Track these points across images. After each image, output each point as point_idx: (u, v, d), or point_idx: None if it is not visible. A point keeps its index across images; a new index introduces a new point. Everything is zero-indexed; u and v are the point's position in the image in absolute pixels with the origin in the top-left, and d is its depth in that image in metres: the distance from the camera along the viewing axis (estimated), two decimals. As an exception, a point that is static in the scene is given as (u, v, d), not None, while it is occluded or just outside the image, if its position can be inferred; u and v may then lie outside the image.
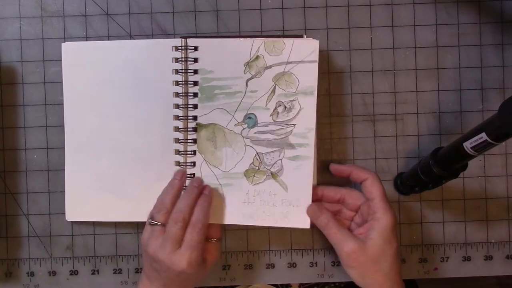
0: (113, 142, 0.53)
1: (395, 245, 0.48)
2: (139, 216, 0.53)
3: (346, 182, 0.54)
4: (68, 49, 0.54)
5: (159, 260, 0.47)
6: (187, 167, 0.53)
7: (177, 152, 0.53)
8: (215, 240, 0.51)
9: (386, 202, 0.49)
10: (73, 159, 0.54)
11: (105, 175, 0.54)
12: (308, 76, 0.52)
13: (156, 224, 0.48)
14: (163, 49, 0.53)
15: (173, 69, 0.53)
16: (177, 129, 0.53)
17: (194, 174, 0.53)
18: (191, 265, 0.47)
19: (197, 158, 0.53)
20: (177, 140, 0.53)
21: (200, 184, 0.51)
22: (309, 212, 0.51)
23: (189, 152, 0.53)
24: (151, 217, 0.49)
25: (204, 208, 0.49)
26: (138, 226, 0.56)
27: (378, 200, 0.48)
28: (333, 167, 0.53)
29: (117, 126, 0.53)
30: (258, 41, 0.52)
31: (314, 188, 0.52)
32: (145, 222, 0.52)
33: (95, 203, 0.54)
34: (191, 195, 0.49)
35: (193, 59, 0.53)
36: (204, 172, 0.53)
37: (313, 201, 0.52)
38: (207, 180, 0.53)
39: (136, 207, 0.53)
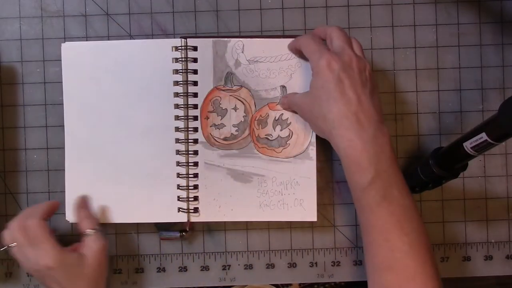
0: (113, 142, 0.53)
1: (331, 83, 0.45)
2: (140, 217, 0.53)
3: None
4: (68, 49, 0.53)
5: (40, 267, 0.47)
6: (189, 167, 0.53)
7: (178, 152, 0.53)
8: (91, 231, 0.50)
9: (313, 53, 0.47)
10: (73, 159, 0.54)
11: (105, 176, 0.54)
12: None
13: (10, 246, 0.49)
14: (163, 49, 0.53)
15: (173, 69, 0.53)
16: (177, 129, 0.53)
17: (197, 174, 0.53)
18: (52, 257, 0.47)
19: (199, 158, 0.53)
20: (177, 141, 0.53)
21: None
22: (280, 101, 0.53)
23: (191, 152, 0.53)
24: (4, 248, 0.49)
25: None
26: (138, 226, 0.56)
27: (306, 54, 0.48)
28: (289, 45, 0.52)
29: (117, 126, 0.53)
30: (257, 41, 0.52)
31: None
32: (146, 223, 0.52)
33: (95, 204, 0.54)
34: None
35: (192, 59, 0.53)
36: (206, 172, 0.53)
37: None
38: (213, 176, 0.53)
39: (136, 207, 0.53)
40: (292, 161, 0.53)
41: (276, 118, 0.53)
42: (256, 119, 0.53)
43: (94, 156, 0.54)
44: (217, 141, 0.53)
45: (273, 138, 0.53)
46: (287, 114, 0.53)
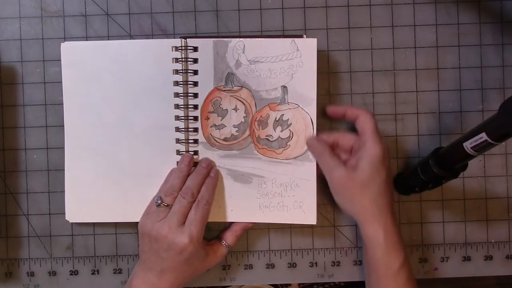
0: (113, 142, 0.53)
1: (384, 174, 0.49)
2: (140, 216, 0.53)
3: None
4: (68, 49, 0.53)
5: (160, 236, 0.48)
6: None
7: (178, 152, 0.53)
8: (225, 244, 0.54)
9: (376, 134, 0.49)
10: (73, 159, 0.54)
11: (105, 176, 0.54)
12: (308, 76, 0.52)
13: (165, 205, 0.50)
14: (163, 49, 0.53)
15: (173, 70, 0.53)
16: (178, 129, 0.53)
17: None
18: (193, 241, 0.48)
19: (199, 159, 0.53)
20: (178, 141, 0.53)
21: (208, 165, 0.53)
22: (309, 143, 0.53)
23: (191, 153, 0.53)
24: (160, 198, 0.50)
25: (210, 187, 0.51)
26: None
27: (369, 132, 0.49)
28: (330, 109, 0.54)
29: (117, 126, 0.53)
30: (258, 41, 0.52)
31: (338, 106, 0.54)
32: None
33: (95, 204, 0.54)
34: (200, 175, 0.52)
35: (193, 60, 0.53)
36: None
37: (335, 117, 0.55)
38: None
39: (136, 207, 0.53)
40: (292, 162, 0.53)
41: (277, 119, 0.53)
42: (257, 119, 0.53)
43: (94, 156, 0.54)
44: (217, 142, 0.53)
45: (274, 139, 0.53)
46: (287, 115, 0.53)
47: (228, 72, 0.53)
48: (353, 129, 0.52)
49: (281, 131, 0.53)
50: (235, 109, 0.53)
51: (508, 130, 0.38)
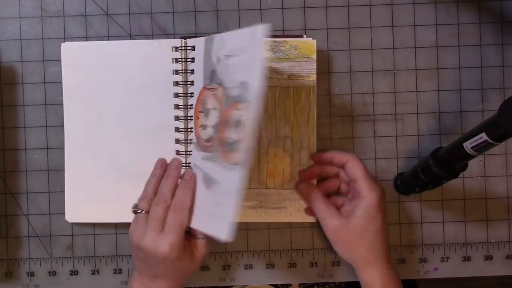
0: (113, 142, 0.53)
1: (380, 220, 0.49)
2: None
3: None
4: (68, 49, 0.53)
5: (142, 246, 0.47)
6: (189, 167, 0.53)
7: (178, 153, 0.53)
8: (202, 237, 0.50)
9: (369, 181, 0.49)
10: (72, 159, 0.54)
11: (105, 176, 0.53)
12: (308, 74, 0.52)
13: (140, 211, 0.49)
14: (163, 50, 0.53)
15: (173, 70, 0.53)
16: (177, 129, 0.53)
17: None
18: (173, 248, 0.46)
19: (190, 160, 0.53)
20: (177, 141, 0.53)
21: (178, 166, 0.52)
22: (299, 187, 0.52)
23: (190, 153, 0.53)
24: (135, 205, 0.50)
25: (183, 190, 0.49)
26: (138, 226, 0.56)
27: (361, 180, 0.49)
28: (316, 156, 0.53)
29: (117, 126, 0.53)
30: (232, 33, 0.51)
31: (324, 153, 0.53)
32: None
33: (95, 204, 0.54)
34: (171, 178, 0.50)
35: (191, 59, 0.53)
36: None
37: (322, 163, 0.53)
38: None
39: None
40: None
41: (234, 120, 0.44)
42: (223, 120, 0.46)
43: (94, 156, 0.54)
44: (202, 143, 0.50)
45: (231, 142, 0.44)
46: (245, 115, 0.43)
47: (211, 70, 0.49)
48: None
49: (236, 133, 0.44)
50: (214, 108, 0.48)
51: (508, 130, 0.38)
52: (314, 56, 0.52)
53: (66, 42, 0.54)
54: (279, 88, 0.53)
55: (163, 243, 0.46)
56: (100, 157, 0.53)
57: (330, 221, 0.50)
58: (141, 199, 0.50)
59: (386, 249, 0.51)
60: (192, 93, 0.53)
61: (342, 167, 0.52)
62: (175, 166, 0.52)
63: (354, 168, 0.50)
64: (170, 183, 0.50)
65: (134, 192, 0.53)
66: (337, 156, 0.52)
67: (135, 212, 0.49)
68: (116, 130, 0.53)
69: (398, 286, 0.50)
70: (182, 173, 0.52)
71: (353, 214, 0.49)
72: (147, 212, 0.49)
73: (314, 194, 0.51)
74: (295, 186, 0.53)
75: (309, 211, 0.53)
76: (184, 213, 0.48)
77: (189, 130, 0.53)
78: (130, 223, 0.55)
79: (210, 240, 0.50)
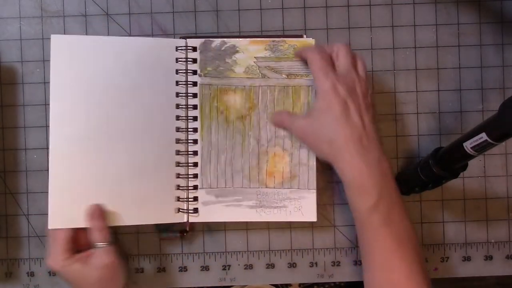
0: (112, 142, 0.53)
1: (337, 108, 0.45)
2: (138, 218, 0.52)
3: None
4: (58, 42, 0.50)
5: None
6: (189, 167, 0.53)
7: (178, 152, 0.53)
8: (102, 245, 0.49)
9: (320, 72, 0.47)
10: (60, 162, 0.51)
11: (105, 176, 0.53)
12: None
13: None
14: (167, 49, 0.52)
15: (175, 69, 0.53)
16: (178, 129, 0.53)
17: (197, 174, 0.53)
18: (55, 269, 0.48)
19: (198, 159, 0.53)
20: (178, 141, 0.53)
21: None
22: (273, 118, 0.52)
23: (190, 153, 0.53)
24: None
25: None
26: (138, 227, 0.56)
27: (314, 73, 0.47)
28: (296, 52, 0.52)
29: (115, 126, 0.53)
30: (256, 41, 0.52)
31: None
32: (142, 225, 0.52)
33: (81, 208, 0.51)
34: None
35: (191, 60, 0.53)
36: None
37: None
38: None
39: (135, 209, 0.53)
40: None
41: None
42: None
43: (92, 157, 0.52)
44: None
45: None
46: None
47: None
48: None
49: None
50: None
51: (508, 130, 0.38)
52: None
53: (57, 35, 0.51)
54: (278, 87, 0.53)
55: (51, 255, 0.49)
56: (99, 157, 0.52)
57: (295, 124, 0.49)
58: None
59: (353, 140, 0.45)
60: (196, 94, 0.53)
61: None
62: None
63: (310, 62, 0.48)
64: None
65: (133, 193, 0.53)
66: (298, 52, 0.51)
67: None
68: (115, 129, 0.53)
69: (375, 185, 0.45)
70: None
71: (311, 110, 0.48)
72: None
73: (279, 113, 0.52)
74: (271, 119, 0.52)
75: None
76: (55, 232, 0.49)
77: (189, 130, 0.53)
78: (125, 225, 0.55)
79: (110, 247, 0.49)
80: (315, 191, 0.53)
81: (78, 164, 0.51)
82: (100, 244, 0.49)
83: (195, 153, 0.53)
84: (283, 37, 0.53)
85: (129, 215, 0.52)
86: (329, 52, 0.49)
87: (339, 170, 0.47)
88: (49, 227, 0.49)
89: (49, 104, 0.55)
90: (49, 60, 0.55)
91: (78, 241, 0.50)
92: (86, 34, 0.56)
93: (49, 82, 0.55)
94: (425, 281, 0.45)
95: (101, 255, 0.48)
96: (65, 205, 0.50)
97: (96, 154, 0.52)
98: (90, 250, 0.49)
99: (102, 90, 0.52)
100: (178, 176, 0.53)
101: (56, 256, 0.48)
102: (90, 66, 0.51)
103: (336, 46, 0.48)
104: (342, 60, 0.48)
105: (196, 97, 0.53)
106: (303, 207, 0.53)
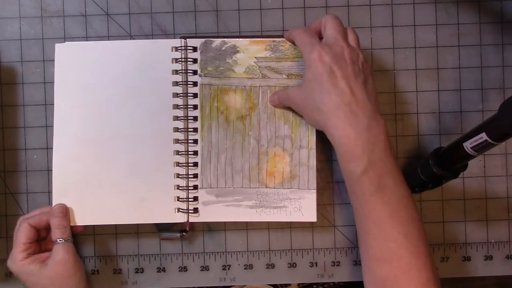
0: (111, 143, 0.53)
1: (324, 76, 0.45)
2: (138, 218, 0.53)
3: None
4: (62, 50, 0.53)
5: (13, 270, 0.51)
6: (189, 167, 0.53)
7: (177, 153, 0.53)
8: (61, 241, 0.50)
9: (304, 44, 0.48)
10: (67, 160, 0.53)
11: (104, 176, 0.53)
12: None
13: None
14: (162, 50, 0.53)
15: (172, 70, 0.53)
16: (177, 130, 0.53)
17: (197, 174, 0.53)
18: (12, 269, 0.50)
19: (198, 159, 0.53)
20: (177, 141, 0.53)
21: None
22: (269, 98, 0.53)
23: (190, 153, 0.53)
24: None
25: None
26: (138, 227, 0.56)
27: (299, 46, 0.49)
28: (285, 36, 0.53)
29: (115, 127, 0.53)
30: (255, 41, 0.52)
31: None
32: (142, 225, 0.52)
33: (93, 206, 0.53)
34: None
35: (192, 60, 0.53)
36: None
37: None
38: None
39: (135, 208, 0.53)
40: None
41: None
42: None
43: (92, 157, 0.53)
44: None
45: None
46: None
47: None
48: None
49: None
50: None
51: (508, 130, 0.38)
52: None
53: (60, 44, 0.53)
54: (279, 87, 0.53)
55: (11, 256, 0.51)
56: (99, 157, 0.53)
57: (290, 94, 0.50)
58: None
59: (339, 104, 0.45)
60: (196, 93, 0.53)
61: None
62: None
63: (326, 23, 0.48)
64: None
65: (133, 193, 0.53)
66: (317, 20, 0.50)
67: None
68: (115, 130, 0.53)
69: (365, 150, 0.44)
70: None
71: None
72: None
73: (276, 93, 0.52)
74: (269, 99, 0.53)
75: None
76: (17, 232, 0.51)
77: (189, 130, 0.53)
78: (129, 224, 0.55)
79: (69, 245, 0.51)
80: (315, 191, 0.53)
81: (79, 164, 0.53)
82: (59, 240, 0.50)
83: (195, 153, 0.53)
84: (283, 37, 0.53)
85: (129, 215, 0.53)
86: (317, 25, 0.50)
87: (329, 137, 0.46)
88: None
89: (49, 104, 0.56)
90: (49, 60, 0.56)
91: (43, 245, 0.53)
92: (86, 34, 0.56)
93: (49, 82, 0.56)
94: (420, 249, 0.44)
95: (59, 250, 0.50)
96: (67, 204, 0.53)
97: (97, 154, 0.53)
98: (50, 252, 0.51)
99: (102, 92, 0.53)
100: (177, 176, 0.53)
101: (14, 258, 0.50)
102: (90, 70, 0.53)
103: (324, 18, 0.49)
104: (328, 31, 0.48)
105: (197, 97, 0.53)
106: (303, 207, 0.53)
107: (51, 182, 0.56)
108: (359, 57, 0.47)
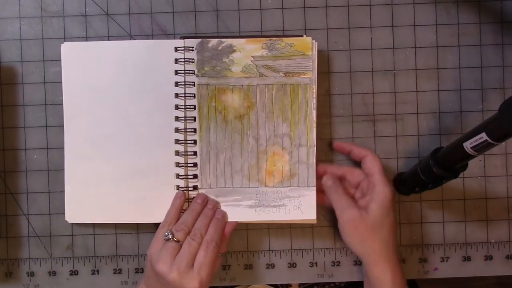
0: (113, 142, 0.53)
1: (392, 216, 0.51)
2: (139, 217, 0.53)
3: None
4: (68, 49, 0.53)
5: (170, 279, 0.47)
6: (188, 168, 0.53)
7: (178, 153, 0.53)
8: (220, 255, 0.51)
9: (384, 177, 0.51)
10: (72, 159, 0.54)
11: (105, 176, 0.53)
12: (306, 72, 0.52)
13: (175, 241, 0.49)
14: (165, 50, 0.53)
15: (174, 70, 0.53)
16: (177, 130, 0.53)
17: (197, 175, 0.53)
18: (202, 286, 0.48)
19: (198, 159, 0.53)
20: (177, 142, 0.53)
21: (214, 205, 0.53)
22: (323, 179, 0.53)
23: (190, 153, 0.53)
24: (170, 233, 0.49)
25: (218, 228, 0.51)
26: (138, 227, 0.56)
27: (378, 175, 0.51)
28: (336, 144, 0.56)
29: (116, 126, 0.53)
30: (255, 41, 0.52)
31: (318, 165, 0.54)
32: (145, 223, 0.52)
33: (95, 204, 0.54)
34: (208, 217, 0.51)
35: (189, 60, 0.53)
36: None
37: (317, 177, 0.54)
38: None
39: (135, 208, 0.53)
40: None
41: None
42: None
43: (94, 156, 0.53)
44: None
45: None
46: None
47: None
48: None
49: None
50: None
51: (508, 130, 0.38)
52: (310, 53, 0.53)
53: (66, 42, 0.54)
54: (276, 86, 0.53)
55: (193, 280, 0.47)
56: (100, 157, 0.53)
57: (348, 212, 0.51)
58: (178, 228, 0.50)
59: (396, 246, 0.52)
60: (194, 94, 0.53)
61: (359, 161, 0.53)
62: (211, 206, 0.52)
63: (372, 163, 0.52)
64: (206, 221, 0.51)
65: (133, 193, 0.53)
66: (356, 149, 0.54)
67: (168, 239, 0.49)
68: (116, 130, 0.53)
69: (405, 282, 0.51)
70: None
71: (370, 208, 0.50)
72: (179, 243, 0.49)
73: (336, 185, 0.53)
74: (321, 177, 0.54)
75: (321, 198, 0.54)
76: (217, 251, 0.49)
77: (188, 130, 0.53)
78: (130, 223, 0.55)
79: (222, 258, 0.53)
80: (314, 188, 0.53)
81: (82, 163, 0.53)
82: (219, 254, 0.51)
83: (194, 153, 0.53)
84: (283, 37, 0.53)
85: (130, 214, 0.53)
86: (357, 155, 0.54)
87: (379, 270, 0.50)
88: (68, 221, 0.54)
89: (49, 104, 0.56)
90: (49, 60, 0.56)
91: None
92: (86, 34, 0.56)
93: (49, 82, 0.56)
94: None
95: (219, 263, 0.52)
96: (80, 201, 0.54)
97: (97, 154, 0.53)
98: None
99: (106, 92, 0.53)
100: (177, 176, 0.53)
101: (207, 280, 0.49)
102: (96, 70, 0.53)
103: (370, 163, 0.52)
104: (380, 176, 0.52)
105: (195, 97, 0.53)
106: (302, 205, 0.53)
107: (51, 182, 0.56)
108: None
